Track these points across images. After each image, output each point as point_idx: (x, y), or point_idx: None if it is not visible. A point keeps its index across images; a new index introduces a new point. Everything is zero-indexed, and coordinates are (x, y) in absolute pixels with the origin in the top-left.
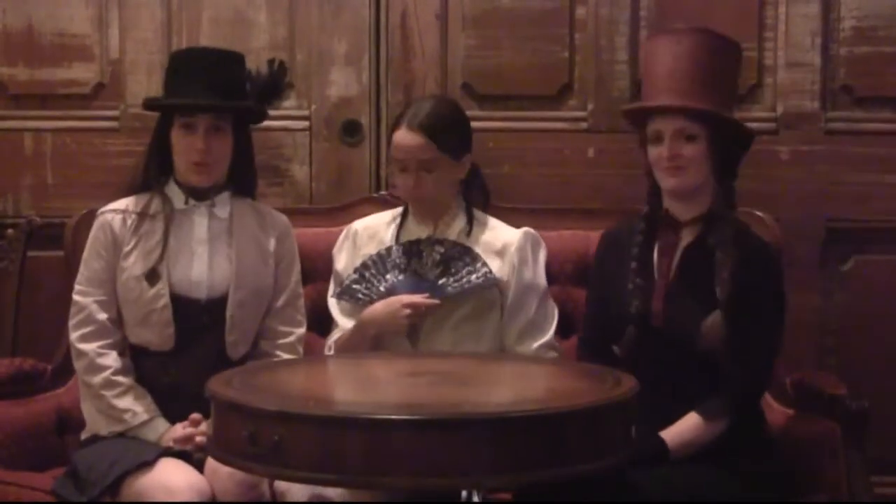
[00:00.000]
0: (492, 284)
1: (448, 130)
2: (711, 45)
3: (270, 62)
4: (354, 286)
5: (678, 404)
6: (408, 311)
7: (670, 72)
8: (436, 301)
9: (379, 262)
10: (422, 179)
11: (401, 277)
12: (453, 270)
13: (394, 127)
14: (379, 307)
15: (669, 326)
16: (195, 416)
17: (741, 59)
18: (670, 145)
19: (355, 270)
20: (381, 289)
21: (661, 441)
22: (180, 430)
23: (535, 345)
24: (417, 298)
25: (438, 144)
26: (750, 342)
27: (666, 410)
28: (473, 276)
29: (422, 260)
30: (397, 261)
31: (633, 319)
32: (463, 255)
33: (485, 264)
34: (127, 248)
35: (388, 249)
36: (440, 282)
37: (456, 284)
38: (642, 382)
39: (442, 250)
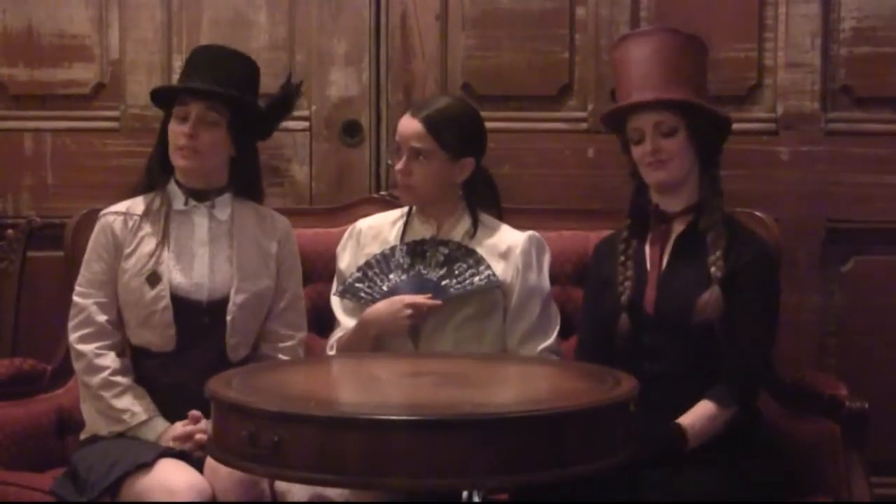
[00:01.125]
0: (494, 286)
1: (449, 128)
2: (675, 42)
3: (286, 84)
4: (357, 285)
5: (680, 396)
6: (409, 311)
7: (640, 71)
8: (437, 302)
9: (382, 262)
10: (410, 167)
11: (404, 277)
12: (456, 272)
13: (402, 113)
14: (380, 307)
15: (661, 311)
16: (195, 412)
17: (706, 54)
18: (651, 140)
19: (359, 269)
20: (384, 288)
21: (680, 428)
22: (180, 428)
23: (538, 348)
24: (419, 299)
25: (435, 137)
26: (746, 325)
27: (668, 403)
28: (476, 279)
29: (425, 260)
30: (401, 260)
31: (625, 309)
32: (466, 256)
33: (488, 266)
34: (128, 250)
35: (393, 249)
36: (443, 283)
37: (458, 286)
38: (642, 378)
39: (446, 251)
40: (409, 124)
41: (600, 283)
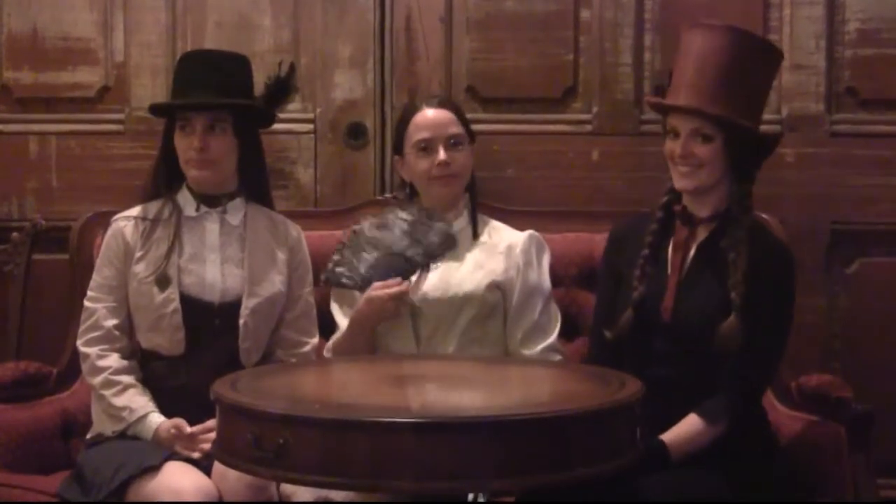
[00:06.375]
0: (447, 235)
1: (464, 115)
2: (744, 46)
3: (279, 65)
4: (338, 269)
5: (684, 403)
6: (387, 297)
7: (696, 69)
8: (403, 287)
9: (354, 239)
10: (451, 156)
11: (375, 255)
12: (418, 237)
13: (408, 117)
14: (362, 307)
15: (678, 322)
16: (177, 420)
17: (779, 63)
18: (685, 143)
19: (335, 252)
20: (361, 271)
21: (662, 444)
22: (172, 424)
23: (539, 347)
24: (390, 290)
25: (461, 123)
26: (759, 346)
27: (671, 409)
28: (433, 236)
29: (392, 232)
30: (368, 234)
31: (634, 304)
32: (423, 218)
33: (441, 220)
34: (139, 254)
35: (360, 227)
36: (409, 254)
37: (422, 251)
38: (650, 382)
39: (406, 217)
40: (437, 115)
41: (615, 278)
